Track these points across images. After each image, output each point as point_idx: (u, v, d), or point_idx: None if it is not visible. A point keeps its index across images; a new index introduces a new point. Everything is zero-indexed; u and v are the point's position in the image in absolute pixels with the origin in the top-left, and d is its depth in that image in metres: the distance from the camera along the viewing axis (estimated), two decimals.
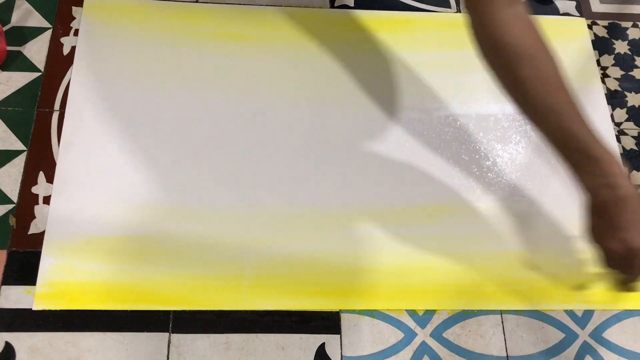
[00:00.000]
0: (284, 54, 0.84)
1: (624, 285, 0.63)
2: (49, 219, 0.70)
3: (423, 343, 0.69)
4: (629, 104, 0.88)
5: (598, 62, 0.90)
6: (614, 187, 0.56)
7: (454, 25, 0.90)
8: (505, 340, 0.70)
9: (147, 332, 0.66)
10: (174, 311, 0.67)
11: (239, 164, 0.76)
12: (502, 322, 0.71)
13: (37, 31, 0.82)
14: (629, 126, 0.86)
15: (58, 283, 0.67)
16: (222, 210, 0.73)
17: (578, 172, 0.58)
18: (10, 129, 0.75)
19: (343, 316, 0.69)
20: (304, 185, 0.76)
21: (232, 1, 0.87)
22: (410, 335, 0.69)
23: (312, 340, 0.68)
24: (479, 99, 0.84)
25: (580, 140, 0.57)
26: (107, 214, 0.71)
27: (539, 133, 0.60)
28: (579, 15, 0.94)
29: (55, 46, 0.81)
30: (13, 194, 0.72)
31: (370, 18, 0.89)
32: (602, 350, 0.70)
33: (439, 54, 0.87)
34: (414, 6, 0.91)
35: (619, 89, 0.88)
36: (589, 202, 0.59)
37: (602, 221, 0.58)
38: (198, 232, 0.71)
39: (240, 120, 0.79)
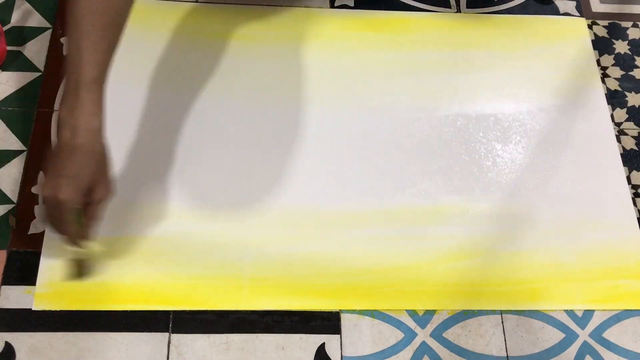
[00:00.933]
0: (284, 54, 0.84)
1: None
2: None
3: (423, 343, 0.69)
4: (629, 104, 0.88)
5: (598, 62, 0.90)
6: (81, 130, 0.53)
7: (454, 25, 0.90)
8: (505, 340, 0.70)
9: (147, 332, 0.66)
10: (174, 311, 0.67)
11: (239, 163, 0.76)
12: (502, 322, 0.71)
13: (37, 31, 0.82)
14: (629, 126, 0.86)
15: (58, 283, 0.67)
16: (223, 210, 0.73)
17: (63, 110, 0.54)
18: (10, 129, 0.75)
19: (343, 316, 0.69)
20: (304, 185, 0.76)
21: (232, 1, 0.88)
22: (410, 335, 0.69)
23: (312, 340, 0.68)
24: (479, 99, 0.84)
25: (80, 79, 0.53)
26: (106, 214, 0.71)
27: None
28: (579, 15, 0.94)
29: (55, 46, 0.81)
30: (13, 194, 0.72)
31: (370, 18, 0.89)
32: (602, 350, 0.70)
33: (439, 54, 0.87)
34: (414, 6, 0.91)
35: (619, 89, 0.88)
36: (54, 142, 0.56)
37: (49, 164, 0.55)
38: (198, 232, 0.71)
39: (240, 120, 0.79)
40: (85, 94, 0.53)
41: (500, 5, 0.93)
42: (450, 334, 0.70)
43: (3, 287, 0.67)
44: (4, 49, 0.78)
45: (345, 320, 0.69)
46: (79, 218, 0.57)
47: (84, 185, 0.55)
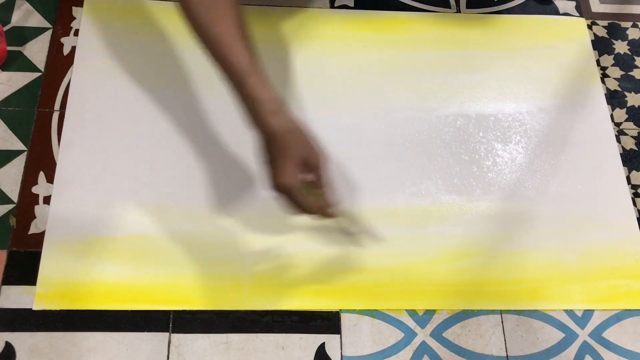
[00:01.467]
0: (284, 54, 0.84)
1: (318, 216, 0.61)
2: (49, 219, 0.70)
3: (423, 343, 0.69)
4: (629, 104, 0.88)
5: (598, 62, 0.90)
6: (265, 124, 0.55)
7: (454, 25, 0.90)
8: (505, 340, 0.70)
9: (147, 332, 0.66)
10: (174, 311, 0.67)
11: (239, 163, 0.76)
12: (502, 322, 0.71)
13: (37, 31, 0.82)
14: (629, 126, 0.86)
15: (58, 283, 0.67)
16: (223, 209, 0.73)
17: (242, 107, 0.56)
18: (10, 129, 0.75)
19: (343, 316, 0.69)
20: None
21: None
22: (410, 335, 0.69)
23: (312, 340, 0.68)
24: (479, 99, 0.84)
25: (237, 74, 0.55)
26: (107, 214, 0.71)
27: (214, 65, 0.57)
28: (579, 15, 0.94)
29: (55, 46, 0.81)
30: (13, 194, 0.72)
31: (370, 18, 0.89)
32: (602, 350, 0.70)
33: (439, 54, 0.87)
34: (414, 6, 0.91)
35: (619, 89, 0.89)
36: (258, 140, 0.58)
37: (266, 160, 0.57)
38: (198, 232, 0.71)
39: (240, 120, 0.79)
40: (254, 82, 0.55)
41: (500, 5, 0.93)
42: (450, 334, 0.70)
43: (3, 287, 0.67)
44: (4, 49, 0.78)
45: (345, 320, 0.69)
46: (312, 192, 0.58)
47: (297, 162, 0.55)
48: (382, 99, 0.83)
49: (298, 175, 0.56)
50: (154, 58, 0.81)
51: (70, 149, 0.74)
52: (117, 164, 0.74)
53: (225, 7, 0.55)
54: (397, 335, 0.69)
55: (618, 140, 0.84)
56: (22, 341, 0.64)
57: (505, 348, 0.70)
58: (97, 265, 0.68)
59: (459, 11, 0.91)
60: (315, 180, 0.58)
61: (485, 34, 0.90)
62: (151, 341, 0.66)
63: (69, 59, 0.80)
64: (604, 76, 0.89)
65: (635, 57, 0.91)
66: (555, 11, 0.93)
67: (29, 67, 0.79)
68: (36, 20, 0.83)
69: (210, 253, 0.71)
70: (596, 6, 0.96)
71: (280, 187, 0.55)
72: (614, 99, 0.88)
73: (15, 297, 0.66)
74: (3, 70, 0.79)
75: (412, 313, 0.70)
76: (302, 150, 0.56)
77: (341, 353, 0.67)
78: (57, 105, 0.77)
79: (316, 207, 0.59)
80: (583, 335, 0.71)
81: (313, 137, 0.57)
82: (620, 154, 0.83)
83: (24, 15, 0.83)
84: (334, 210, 0.61)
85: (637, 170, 0.82)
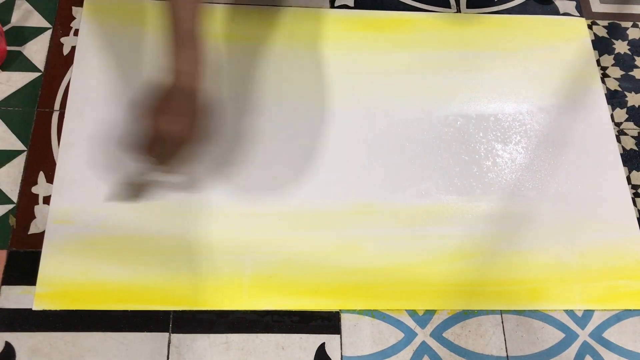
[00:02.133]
0: (284, 54, 0.84)
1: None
2: (49, 219, 0.70)
3: (423, 343, 0.69)
4: (629, 104, 0.88)
5: (598, 62, 0.90)
6: (179, 76, 0.60)
7: (454, 25, 0.90)
8: (505, 340, 0.70)
9: (147, 332, 0.66)
10: (174, 311, 0.67)
11: (239, 163, 0.76)
12: (502, 322, 0.71)
13: (37, 31, 0.82)
14: (629, 126, 0.86)
15: (58, 283, 0.67)
16: (222, 210, 0.73)
17: (168, 59, 0.61)
18: (10, 129, 0.75)
19: (343, 316, 0.69)
20: (304, 185, 0.76)
21: (231, 1, 0.87)
22: (410, 335, 0.69)
23: (312, 340, 0.68)
24: (479, 99, 0.84)
25: (180, 31, 0.60)
26: (107, 214, 0.71)
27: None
28: (579, 15, 0.94)
29: (55, 46, 0.81)
30: (13, 194, 0.72)
31: (370, 18, 0.89)
32: (602, 350, 0.70)
33: (439, 54, 0.87)
34: (414, 6, 0.91)
35: (619, 89, 0.88)
36: (160, 85, 0.61)
37: (155, 103, 0.60)
38: (198, 232, 0.71)
39: (239, 120, 0.79)
40: (186, 43, 0.60)
41: (500, 5, 0.93)
42: (450, 334, 0.70)
43: (3, 287, 0.67)
44: (4, 49, 0.78)
45: (345, 320, 0.69)
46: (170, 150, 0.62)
47: (188, 122, 0.60)
48: (382, 99, 0.83)
49: (189, 132, 0.61)
50: (153, 58, 0.81)
51: (70, 149, 0.74)
52: (116, 163, 0.74)
53: None
54: (397, 335, 0.69)
55: (618, 140, 0.84)
56: (22, 341, 0.64)
57: (506, 348, 0.70)
58: (97, 265, 0.68)
59: (459, 11, 0.91)
60: (172, 141, 0.61)
61: (485, 34, 0.90)
62: (151, 341, 0.66)
63: (69, 59, 0.80)
64: (604, 76, 0.89)
65: (636, 57, 0.91)
66: (555, 11, 0.93)
67: (29, 67, 0.79)
68: (36, 20, 0.83)
69: (210, 253, 0.71)
70: (596, 6, 0.95)
71: (169, 132, 0.59)
72: (614, 99, 0.88)
73: (15, 297, 0.66)
74: (3, 70, 0.79)
75: (412, 313, 0.70)
76: (194, 117, 0.60)
77: (341, 353, 0.67)
78: (57, 105, 0.77)
79: (172, 166, 0.63)
80: (583, 335, 0.71)
81: (201, 110, 0.61)
82: (621, 154, 0.83)
83: (24, 15, 0.83)
84: (173, 176, 0.67)
85: (637, 170, 0.82)
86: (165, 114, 0.59)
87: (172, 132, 0.59)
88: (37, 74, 0.79)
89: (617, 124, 0.86)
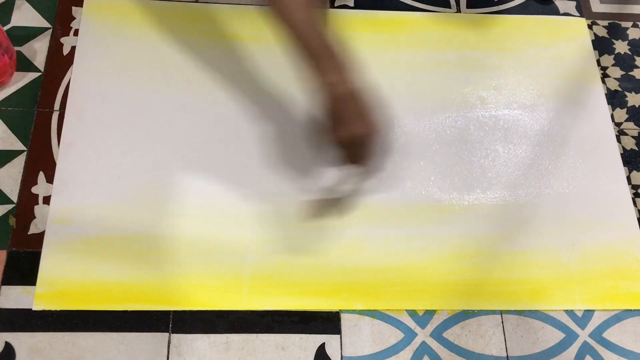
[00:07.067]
0: (283, 54, 0.84)
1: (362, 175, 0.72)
2: (49, 219, 0.70)
3: (423, 343, 0.69)
4: (629, 104, 0.88)
5: (598, 62, 0.90)
6: (334, 88, 0.62)
7: (454, 25, 0.90)
8: (505, 340, 0.70)
9: (147, 332, 0.66)
10: (174, 311, 0.67)
11: (239, 163, 0.76)
12: (502, 322, 0.71)
13: (37, 31, 0.82)
14: (629, 126, 0.86)
15: (58, 283, 0.67)
16: (222, 210, 0.73)
17: (312, 74, 0.63)
18: (10, 129, 0.75)
19: (343, 316, 0.69)
20: (304, 185, 0.76)
21: (232, 1, 0.88)
22: (410, 335, 0.69)
23: (312, 340, 0.68)
24: (479, 99, 0.84)
25: (311, 47, 0.62)
26: (107, 214, 0.71)
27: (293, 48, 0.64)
28: (579, 15, 0.94)
29: (55, 46, 0.81)
30: (13, 194, 0.72)
31: (370, 18, 0.89)
32: (602, 350, 0.70)
33: (439, 54, 0.87)
34: (414, 6, 0.91)
35: (619, 89, 0.88)
36: (322, 104, 0.64)
37: (331, 120, 0.63)
38: (198, 232, 0.71)
39: (240, 120, 0.79)
40: (322, 56, 0.62)
41: (500, 5, 0.93)
42: (450, 334, 0.70)
43: (3, 287, 0.67)
44: (5, 62, 0.77)
45: (345, 320, 0.69)
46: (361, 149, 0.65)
47: (370, 120, 0.62)
48: (382, 99, 0.82)
49: (355, 131, 0.62)
50: (153, 58, 0.81)
51: (70, 149, 0.74)
52: (116, 164, 0.74)
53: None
54: (397, 335, 0.69)
55: (618, 140, 0.84)
56: (22, 341, 0.64)
57: (506, 348, 0.70)
58: (97, 265, 0.68)
59: (459, 11, 0.91)
60: (366, 141, 0.64)
61: (485, 34, 0.90)
62: (151, 341, 0.66)
63: (69, 59, 0.80)
64: (604, 76, 0.89)
65: (636, 57, 0.91)
66: (555, 11, 0.93)
67: (29, 67, 0.79)
68: (36, 20, 0.83)
69: (210, 253, 0.71)
70: (596, 6, 0.95)
71: (342, 140, 0.62)
72: (615, 99, 0.88)
73: (15, 297, 0.66)
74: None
75: (412, 313, 0.70)
76: (360, 113, 0.63)
77: (341, 353, 0.67)
78: (56, 105, 0.77)
79: (364, 160, 0.65)
80: (583, 335, 0.71)
81: (371, 106, 0.63)
82: (621, 154, 0.83)
83: (24, 15, 0.83)
84: (372, 168, 0.68)
85: (637, 170, 0.82)
86: (347, 124, 0.61)
87: (364, 135, 0.62)
88: (37, 74, 0.79)
89: (617, 124, 0.86)
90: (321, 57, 0.61)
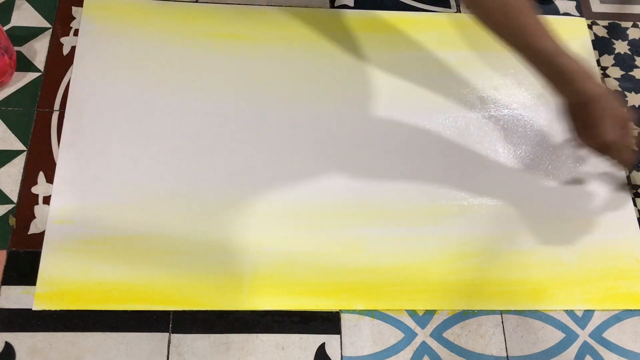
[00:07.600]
0: (284, 54, 0.84)
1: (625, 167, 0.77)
2: (49, 219, 0.70)
3: (423, 343, 0.69)
4: (629, 104, 0.88)
5: (598, 62, 0.90)
6: (580, 91, 0.63)
7: (454, 25, 0.90)
8: (505, 340, 0.70)
9: (147, 332, 0.66)
10: (174, 311, 0.67)
11: (239, 164, 0.76)
12: (502, 322, 0.71)
13: (37, 31, 0.82)
14: None
15: (58, 283, 0.67)
16: (223, 210, 0.73)
17: (551, 83, 0.65)
18: (10, 129, 0.75)
19: (343, 316, 0.69)
20: (304, 185, 0.76)
21: (231, 1, 0.88)
22: (410, 335, 0.69)
23: (312, 340, 0.68)
24: (479, 99, 0.84)
25: (545, 54, 0.63)
26: (107, 214, 0.71)
27: (518, 56, 0.66)
28: (579, 15, 0.94)
29: (55, 46, 0.81)
30: (13, 194, 0.72)
31: (370, 18, 0.89)
32: (602, 350, 0.70)
33: (439, 54, 0.87)
34: (414, 6, 0.91)
35: (619, 89, 0.88)
36: (565, 108, 0.66)
37: (578, 123, 0.65)
38: (198, 231, 0.71)
39: (240, 120, 0.79)
40: (567, 59, 0.63)
41: None
42: (450, 334, 0.70)
43: (3, 287, 0.67)
44: (5, 62, 0.77)
45: (345, 320, 0.69)
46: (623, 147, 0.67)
47: (615, 121, 0.64)
48: (381, 99, 0.83)
49: (618, 132, 0.64)
50: (153, 58, 0.81)
51: (70, 149, 0.74)
52: (117, 163, 0.74)
53: (519, 5, 0.64)
54: (397, 335, 0.69)
55: None
56: (22, 341, 0.64)
57: (506, 348, 0.70)
58: (97, 265, 0.68)
59: (459, 11, 0.91)
60: (626, 136, 0.66)
61: (485, 34, 0.89)
62: (151, 341, 0.66)
63: (69, 59, 0.80)
64: (604, 76, 0.89)
65: (636, 57, 0.91)
66: (555, 11, 0.93)
67: (29, 67, 0.79)
68: (36, 20, 0.83)
69: (211, 253, 0.71)
70: (596, 6, 0.95)
71: (604, 145, 0.64)
72: None
73: (15, 297, 0.66)
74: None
75: (412, 313, 0.70)
76: (616, 111, 0.64)
77: (341, 353, 0.67)
78: (56, 105, 0.77)
79: (629, 159, 0.68)
80: (583, 335, 0.71)
81: (619, 100, 0.65)
82: None
83: (24, 15, 0.83)
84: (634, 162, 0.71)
85: (638, 170, 0.82)
86: (611, 117, 0.63)
87: (618, 141, 0.64)
88: (37, 74, 0.79)
89: None
90: (565, 62, 0.62)
